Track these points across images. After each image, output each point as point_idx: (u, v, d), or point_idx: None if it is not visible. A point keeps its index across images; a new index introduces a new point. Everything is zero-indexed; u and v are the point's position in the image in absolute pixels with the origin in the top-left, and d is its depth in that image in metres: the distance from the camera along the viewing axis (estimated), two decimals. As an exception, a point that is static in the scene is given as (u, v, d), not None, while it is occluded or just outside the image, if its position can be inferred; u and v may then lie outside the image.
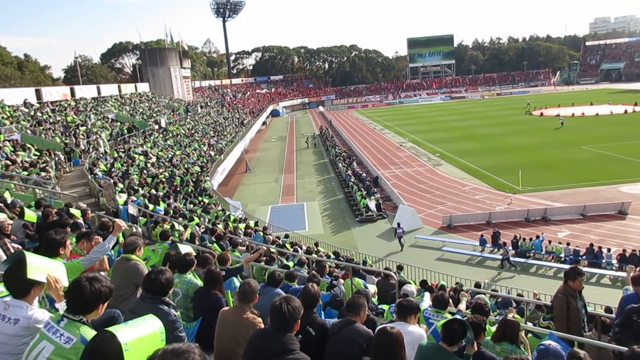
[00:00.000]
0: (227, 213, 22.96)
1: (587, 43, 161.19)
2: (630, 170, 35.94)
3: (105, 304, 3.39)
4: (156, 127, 43.68)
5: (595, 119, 64.55)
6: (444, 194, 34.74)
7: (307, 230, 29.35)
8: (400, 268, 16.36)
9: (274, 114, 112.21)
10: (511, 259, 22.93)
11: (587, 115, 68.46)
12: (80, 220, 9.52)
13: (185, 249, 8.41)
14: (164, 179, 24.90)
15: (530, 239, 24.03)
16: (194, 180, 27.79)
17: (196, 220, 16.43)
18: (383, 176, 40.01)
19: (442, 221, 28.49)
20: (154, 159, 30.37)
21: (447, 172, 41.32)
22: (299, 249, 17.13)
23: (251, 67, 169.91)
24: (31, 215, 9.31)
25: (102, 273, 5.14)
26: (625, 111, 68.63)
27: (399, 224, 26.53)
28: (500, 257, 23.13)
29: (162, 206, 17.69)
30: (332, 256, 17.61)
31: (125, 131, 36.16)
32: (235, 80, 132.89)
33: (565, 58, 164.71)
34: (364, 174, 40.31)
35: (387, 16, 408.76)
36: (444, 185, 37.21)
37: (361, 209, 31.42)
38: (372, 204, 31.57)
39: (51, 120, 31.59)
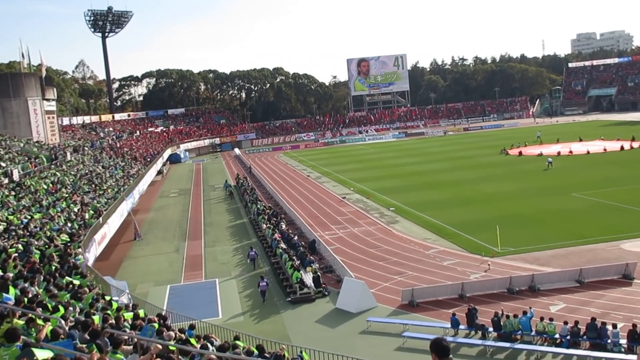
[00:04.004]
0: (108, 299, 22.08)
1: (571, 64, 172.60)
2: (633, 222, 37.98)
3: None
4: (6, 180, 41.98)
5: (586, 159, 68.50)
6: (403, 260, 35.12)
7: (220, 318, 28.65)
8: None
9: (174, 159, 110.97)
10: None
11: (575, 153, 72.59)
12: None
13: (42, 354, 7.93)
14: (15, 254, 23.77)
15: (516, 316, 24.48)
16: (59, 254, 26.67)
17: (61, 311, 15.66)
18: (322, 239, 40.03)
19: (402, 297, 28.62)
20: (1, 227, 29.01)
21: (405, 232, 41.98)
22: (209, 344, 16.62)
23: (141, 98, 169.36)
24: None
25: None
26: (622, 148, 73.48)
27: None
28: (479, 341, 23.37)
29: (11, 293, 16.79)
30: (256, 352, 17.18)
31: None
32: (119, 116, 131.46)
33: (545, 83, 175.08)
34: (297, 238, 40.20)
35: (321, 31, 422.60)
36: (402, 248, 37.68)
37: (294, 284, 31.10)
38: (308, 278, 31.34)
39: None
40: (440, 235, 40.12)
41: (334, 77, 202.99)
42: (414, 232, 41.65)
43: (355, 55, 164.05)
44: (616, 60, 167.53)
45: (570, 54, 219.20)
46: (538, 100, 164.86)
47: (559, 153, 72.71)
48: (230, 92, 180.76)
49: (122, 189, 56.80)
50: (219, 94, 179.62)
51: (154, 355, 10.04)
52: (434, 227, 42.27)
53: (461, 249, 36.47)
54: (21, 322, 12.31)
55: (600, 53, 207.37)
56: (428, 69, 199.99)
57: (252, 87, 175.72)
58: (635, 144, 75.62)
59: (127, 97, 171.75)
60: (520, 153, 77.78)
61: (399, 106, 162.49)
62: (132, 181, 63.34)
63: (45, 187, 45.43)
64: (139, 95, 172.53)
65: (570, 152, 73.64)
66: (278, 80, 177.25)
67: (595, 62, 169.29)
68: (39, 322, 13.08)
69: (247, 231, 48.49)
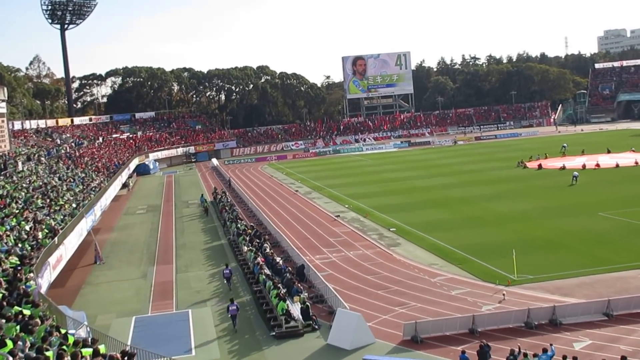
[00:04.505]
0: (63, 332, 21.94)
1: (597, 65, 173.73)
2: (668, 247, 38.21)
3: None
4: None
5: (615, 173, 69.13)
6: (405, 289, 35.05)
7: (194, 355, 28.49)
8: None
9: (142, 170, 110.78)
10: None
11: (603, 167, 73.26)
12: None
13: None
14: (-44, 280, 23.60)
15: (535, 355, 24.47)
16: (8, 279, 26.52)
17: (9, 345, 15.55)
18: (312, 264, 39.97)
19: (404, 332, 28.55)
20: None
21: (408, 256, 41.99)
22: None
23: (105, 100, 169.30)
24: None
25: None
26: (655, 161, 73.98)
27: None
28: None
29: (-49, 325, 16.64)
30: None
31: None
32: (79, 120, 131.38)
33: (568, 86, 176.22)
34: (282, 262, 40.10)
35: (312, 24, 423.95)
36: (404, 275, 37.62)
37: (279, 317, 30.98)
38: (295, 309, 31.22)
39: None
40: (448, 260, 40.12)
41: (327, 77, 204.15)
42: (418, 257, 41.64)
43: (352, 53, 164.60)
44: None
45: (596, 54, 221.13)
46: (560, 105, 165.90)
47: (584, 166, 73.17)
48: (208, 93, 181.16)
49: (81, 204, 56.61)
50: (194, 96, 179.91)
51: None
52: (441, 251, 42.28)
53: (472, 276, 36.45)
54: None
55: (631, 52, 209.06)
56: (435, 69, 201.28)
57: (233, 88, 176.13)
58: (671, 157, 76.18)
59: (88, 99, 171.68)
60: (539, 166, 78.19)
61: (402, 111, 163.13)
62: (93, 196, 63.13)
63: (-8, 201, 45.15)
64: (103, 97, 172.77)
65: (597, 165, 74.19)
66: (263, 80, 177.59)
67: (625, 63, 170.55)
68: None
69: (225, 254, 48.30)
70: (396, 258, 41.78)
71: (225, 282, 39.03)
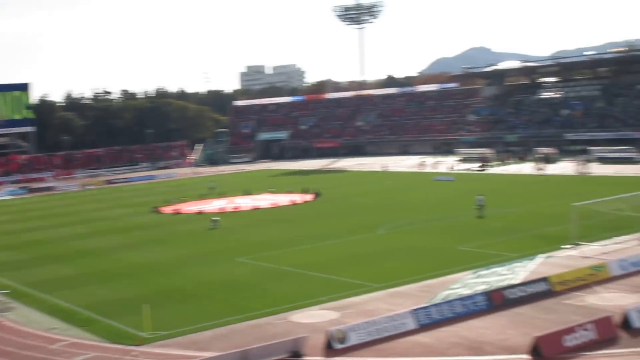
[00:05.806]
0: None
1: (237, 103, 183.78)
2: (302, 289, 41.10)
3: None
4: None
5: (254, 216, 73.60)
6: (18, 360, 33.38)
7: None
8: None
9: None
10: None
11: (242, 209, 77.52)
12: None
13: None
14: None
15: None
16: None
17: None
18: None
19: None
20: None
21: (23, 322, 40.04)
22: None
23: None
24: None
25: None
26: (293, 202, 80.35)
27: None
28: None
29: None
30: None
31: None
32: None
33: (208, 124, 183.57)
34: None
35: None
36: (17, 345, 35.57)
37: None
38: None
39: None
40: (71, 322, 38.79)
41: None
42: (35, 322, 39.70)
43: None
44: (289, 99, 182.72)
45: (237, 90, 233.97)
46: (201, 145, 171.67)
47: (222, 209, 76.77)
48: None
49: None
50: None
51: None
52: (63, 313, 40.85)
53: (98, 338, 35.57)
54: None
55: (271, 90, 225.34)
56: (61, 105, 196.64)
57: None
58: (308, 197, 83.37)
59: None
60: (176, 211, 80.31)
61: (20, 152, 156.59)
62: None
63: None
64: None
65: (237, 207, 78.23)
66: None
67: (265, 101, 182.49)
68: None
69: None
70: (7, 325, 39.44)
71: None
